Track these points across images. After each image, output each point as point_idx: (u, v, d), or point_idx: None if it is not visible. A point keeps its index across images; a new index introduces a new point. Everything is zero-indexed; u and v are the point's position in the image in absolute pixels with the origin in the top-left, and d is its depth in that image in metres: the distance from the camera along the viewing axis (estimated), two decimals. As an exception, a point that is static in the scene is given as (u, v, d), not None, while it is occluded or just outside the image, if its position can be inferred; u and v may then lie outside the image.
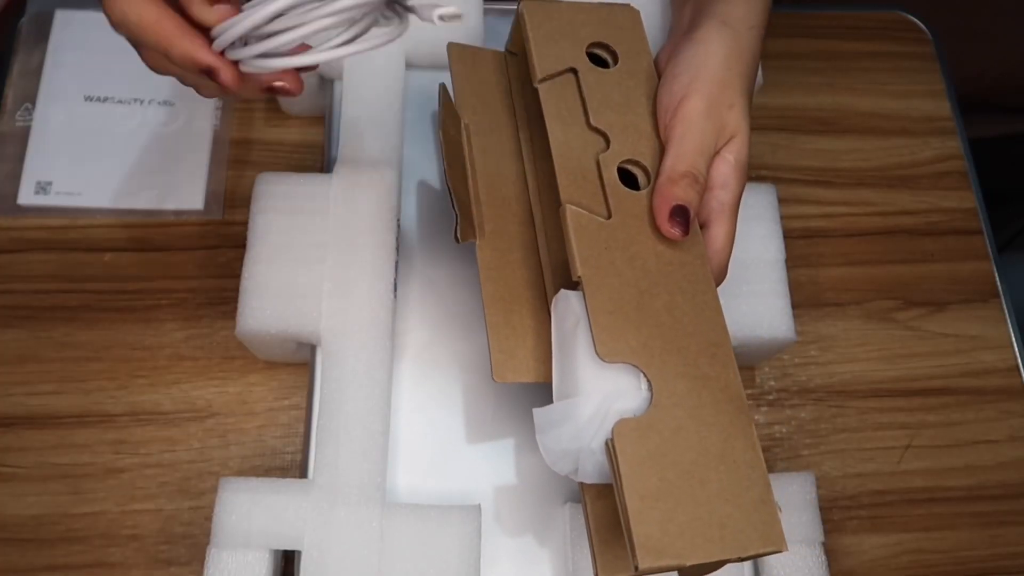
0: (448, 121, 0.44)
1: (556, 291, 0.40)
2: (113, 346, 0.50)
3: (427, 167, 0.51)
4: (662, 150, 0.40)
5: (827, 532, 0.43)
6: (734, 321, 0.46)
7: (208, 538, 0.41)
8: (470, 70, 0.46)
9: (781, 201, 0.50)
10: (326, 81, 0.52)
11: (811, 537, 0.42)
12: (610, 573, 0.36)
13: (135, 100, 0.55)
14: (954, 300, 0.57)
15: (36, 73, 0.55)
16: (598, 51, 0.43)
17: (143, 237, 0.53)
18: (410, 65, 0.51)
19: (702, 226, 0.39)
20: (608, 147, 0.40)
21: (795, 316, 0.47)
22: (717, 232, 0.39)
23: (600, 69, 0.42)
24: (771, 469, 0.50)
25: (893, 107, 0.62)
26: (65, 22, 0.56)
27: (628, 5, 0.45)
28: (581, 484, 0.38)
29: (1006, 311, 0.57)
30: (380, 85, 0.50)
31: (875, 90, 0.62)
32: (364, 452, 0.43)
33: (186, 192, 0.53)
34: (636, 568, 0.32)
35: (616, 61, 0.43)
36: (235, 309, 0.45)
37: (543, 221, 0.44)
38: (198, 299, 0.51)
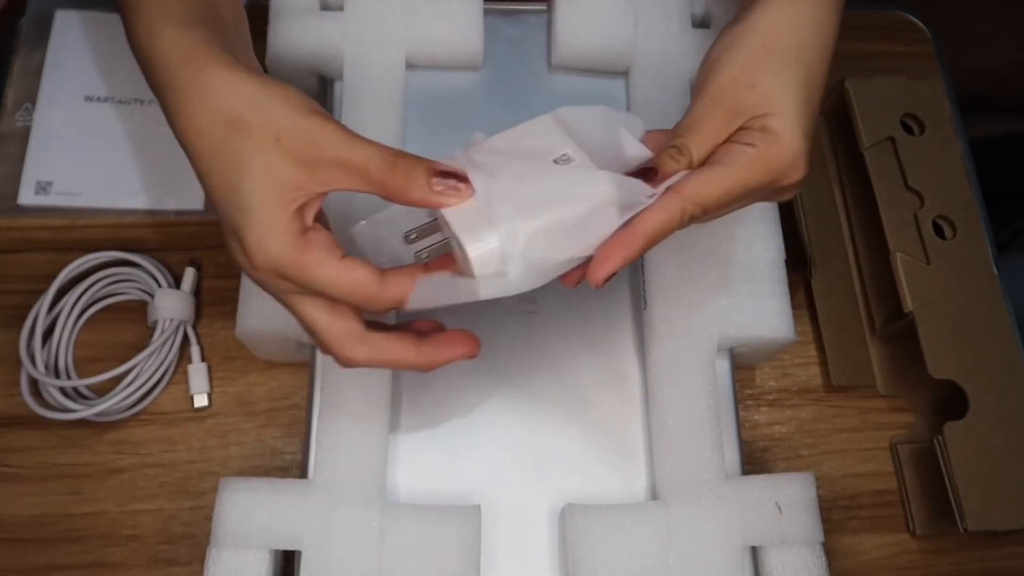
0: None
1: (882, 316, 0.53)
2: (114, 345, 0.50)
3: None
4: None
5: (827, 532, 0.43)
6: (734, 321, 0.46)
7: (208, 538, 0.41)
8: None
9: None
10: (326, 81, 0.52)
11: (811, 537, 0.42)
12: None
13: (135, 100, 0.55)
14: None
15: (36, 73, 0.55)
16: (908, 120, 0.54)
17: (143, 237, 0.53)
18: (410, 65, 0.51)
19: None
20: (923, 204, 0.51)
21: (795, 316, 0.47)
22: (652, 216, 0.33)
23: (911, 136, 0.53)
24: (771, 469, 0.50)
25: (893, 107, 0.62)
26: (65, 22, 0.56)
27: (931, 80, 0.56)
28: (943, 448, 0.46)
29: (1006, 312, 0.56)
30: (380, 85, 0.50)
31: (875, 90, 0.62)
32: (364, 452, 0.43)
33: (186, 192, 0.53)
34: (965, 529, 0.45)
35: (923, 130, 0.53)
36: (235, 309, 0.45)
37: (866, 259, 0.55)
38: (198, 299, 0.51)
